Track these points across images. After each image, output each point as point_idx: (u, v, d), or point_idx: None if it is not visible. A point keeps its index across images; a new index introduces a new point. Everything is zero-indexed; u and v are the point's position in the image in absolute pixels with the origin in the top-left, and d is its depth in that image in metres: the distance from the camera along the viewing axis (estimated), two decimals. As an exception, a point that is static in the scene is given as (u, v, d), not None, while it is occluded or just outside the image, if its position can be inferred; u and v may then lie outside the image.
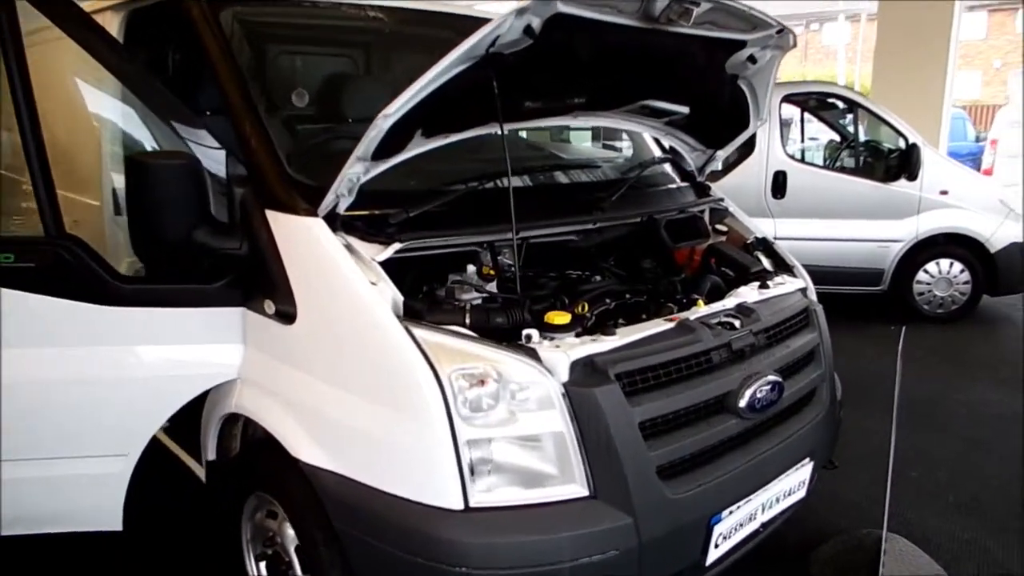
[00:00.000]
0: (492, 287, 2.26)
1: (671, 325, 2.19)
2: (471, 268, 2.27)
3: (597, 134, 6.95)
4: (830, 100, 7.05)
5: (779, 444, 2.31)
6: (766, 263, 2.90)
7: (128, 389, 2.26)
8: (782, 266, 2.89)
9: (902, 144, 6.31)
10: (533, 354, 1.91)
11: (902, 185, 6.28)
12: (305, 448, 2.03)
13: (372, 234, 2.08)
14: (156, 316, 2.22)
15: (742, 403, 2.16)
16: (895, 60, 9.07)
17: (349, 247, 2.05)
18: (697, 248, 2.83)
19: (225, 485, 2.52)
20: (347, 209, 2.10)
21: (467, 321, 2.02)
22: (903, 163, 6.24)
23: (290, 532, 2.22)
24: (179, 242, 2.06)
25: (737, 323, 2.30)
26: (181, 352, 2.27)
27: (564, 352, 1.92)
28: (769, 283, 2.61)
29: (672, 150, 3.37)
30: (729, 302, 2.42)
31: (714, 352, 2.18)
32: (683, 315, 2.27)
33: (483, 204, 2.33)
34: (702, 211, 2.97)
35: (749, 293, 2.51)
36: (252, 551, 2.48)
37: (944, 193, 6.28)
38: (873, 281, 6.42)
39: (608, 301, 2.47)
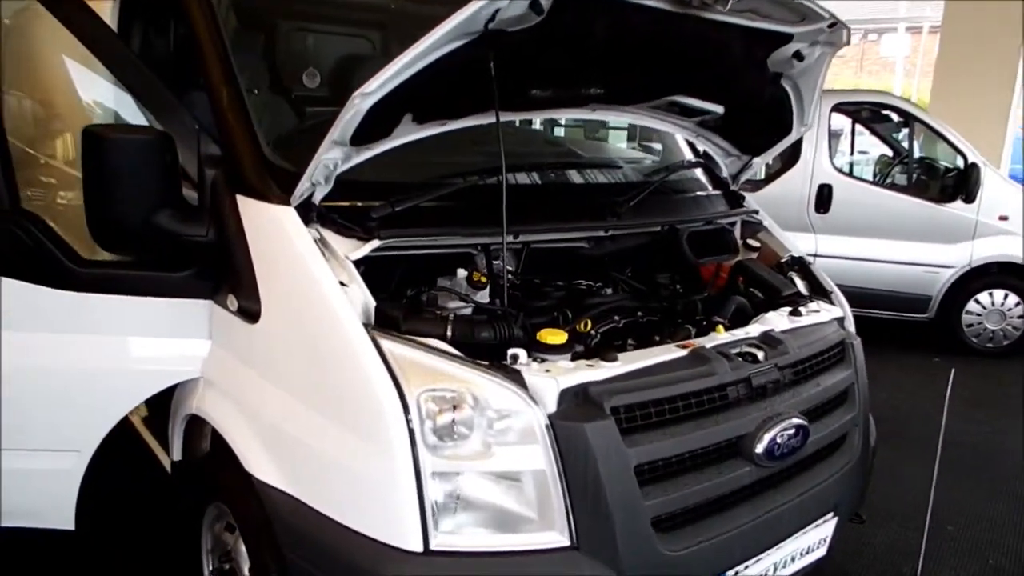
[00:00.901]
0: (483, 296, 2.02)
1: (683, 352, 1.91)
2: (461, 273, 2.03)
3: (633, 134, 6.65)
4: (884, 112, 6.64)
5: (799, 496, 2.03)
6: (801, 286, 2.60)
7: (83, 382, 2.07)
8: (818, 291, 2.59)
9: (960, 163, 5.89)
10: (517, 378, 1.66)
11: (958, 207, 5.86)
12: (260, 464, 1.82)
13: (350, 228, 1.86)
14: (116, 304, 2.02)
15: (759, 449, 1.88)
16: (958, 73, 8.57)
17: (322, 241, 1.82)
18: (724, 265, 2.54)
19: (188, 489, 2.33)
20: (326, 200, 1.88)
21: (448, 334, 1.78)
22: (960, 183, 5.82)
23: (244, 550, 2.01)
24: (137, 225, 1.86)
25: (760, 355, 2.02)
26: (141, 345, 2.07)
27: (554, 378, 1.66)
28: (801, 310, 2.32)
29: (705, 154, 3.09)
30: (753, 329, 2.14)
31: (730, 388, 1.90)
32: (698, 341, 2.00)
33: (481, 202, 2.08)
34: (732, 223, 2.68)
35: (778, 320, 2.22)
36: (209, 564, 2.27)
37: (1004, 219, 5.84)
38: (919, 308, 6.01)
39: (617, 319, 2.21)
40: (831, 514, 2.17)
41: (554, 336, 1.79)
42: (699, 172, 2.88)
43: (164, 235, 1.89)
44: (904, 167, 6.41)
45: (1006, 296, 5.91)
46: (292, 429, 1.75)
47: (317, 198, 1.85)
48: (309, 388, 1.74)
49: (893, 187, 6.19)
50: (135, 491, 3.04)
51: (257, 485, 1.80)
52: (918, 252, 5.91)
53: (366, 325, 1.67)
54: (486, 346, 1.80)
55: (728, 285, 2.60)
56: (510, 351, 1.71)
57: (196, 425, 2.22)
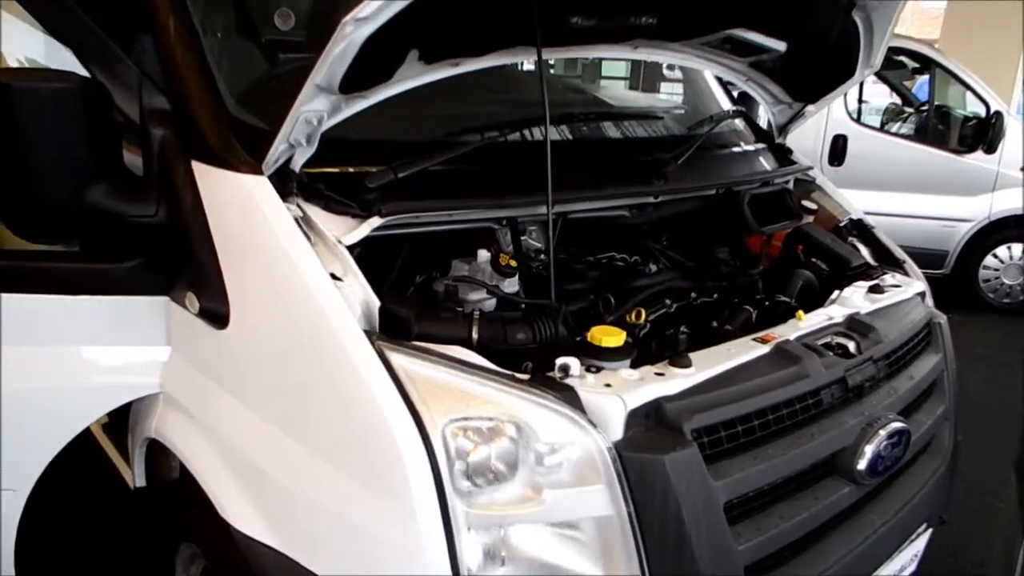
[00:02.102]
0: (512, 284, 1.61)
1: (765, 349, 1.53)
2: (483, 256, 1.61)
3: (634, 83, 6.16)
4: (897, 58, 6.23)
5: (896, 514, 1.68)
6: (865, 254, 2.23)
7: (8, 407, 1.64)
8: (887, 260, 2.22)
9: (981, 111, 5.53)
10: (571, 397, 1.27)
11: (978, 158, 5.52)
12: (239, 511, 1.41)
13: (342, 203, 1.43)
14: (43, 307, 1.58)
15: (861, 465, 1.52)
16: (968, 22, 8.17)
17: (306, 220, 1.40)
18: (776, 232, 2.15)
19: (156, 520, 1.93)
20: (308, 165, 1.45)
21: (474, 337, 1.38)
22: (982, 133, 5.47)
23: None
24: (64, 205, 1.42)
25: (852, 346, 1.65)
26: (79, 356, 1.64)
27: (617, 395, 1.27)
28: (883, 285, 1.94)
29: (742, 101, 2.67)
30: (835, 312, 1.76)
31: (824, 391, 1.53)
32: (777, 332, 1.61)
33: (504, 164, 1.67)
34: (786, 182, 2.28)
35: (858, 299, 1.84)
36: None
37: (1024, 170, 5.52)
38: (935, 264, 5.70)
39: (668, 302, 1.82)
40: (924, 525, 1.83)
41: (610, 336, 1.39)
42: (740, 122, 2.47)
43: (100, 216, 1.46)
44: (919, 116, 6.04)
45: (1024, 250, 5.64)
46: (276, 468, 1.35)
47: (297, 163, 1.43)
48: (297, 417, 1.34)
49: (910, 138, 5.82)
50: (97, 516, 2.64)
51: (237, 537, 1.40)
52: (935, 206, 5.59)
53: (368, 333, 1.26)
54: (522, 353, 1.41)
55: (785, 256, 2.22)
56: (559, 361, 1.31)
57: (160, 447, 1.81)
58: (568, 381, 1.29)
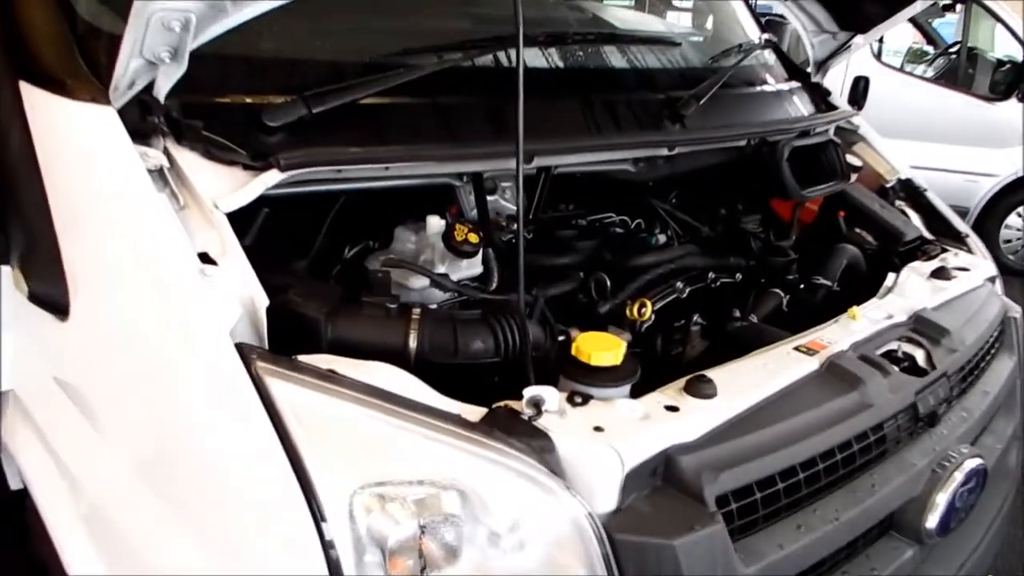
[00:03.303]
0: (471, 266, 1.19)
1: (813, 364, 1.13)
2: (435, 224, 1.18)
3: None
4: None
5: (961, 568, 1.31)
6: (917, 223, 1.82)
7: None
8: (945, 231, 1.81)
9: (1017, 54, 5.03)
10: (545, 448, 0.86)
11: (1010, 107, 5.05)
12: (85, 567, 1.02)
13: (227, 148, 1.00)
14: None
15: (931, 521, 1.14)
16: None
17: (174, 174, 0.97)
18: (820, 196, 1.72)
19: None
20: (187, 93, 1.01)
21: (411, 348, 0.97)
22: (1016, 79, 4.98)
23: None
24: None
25: (920, 356, 1.25)
26: None
27: (612, 447, 0.87)
28: (950, 268, 1.53)
29: (768, 26, 2.21)
30: (894, 307, 1.36)
31: (889, 423, 1.13)
32: (824, 337, 1.21)
33: (469, 98, 1.23)
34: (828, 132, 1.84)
35: (920, 288, 1.44)
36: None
37: (1064, 121, 5.05)
38: (954, 222, 5.29)
39: (679, 284, 1.41)
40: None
41: (605, 349, 0.98)
42: (770, 54, 2.00)
43: None
44: (947, 59, 5.53)
45: (1056, 210, 5.22)
46: (133, 533, 0.95)
47: (161, 90, 0.98)
48: (152, 462, 0.93)
49: (938, 81, 5.33)
50: None
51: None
52: (960, 158, 5.13)
53: (244, 349, 0.84)
54: (479, 372, 1.01)
55: (820, 225, 1.80)
56: (528, 392, 0.90)
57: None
58: (541, 422, 0.88)
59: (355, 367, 0.88)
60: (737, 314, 1.47)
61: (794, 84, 1.95)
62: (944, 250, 1.70)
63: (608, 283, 1.35)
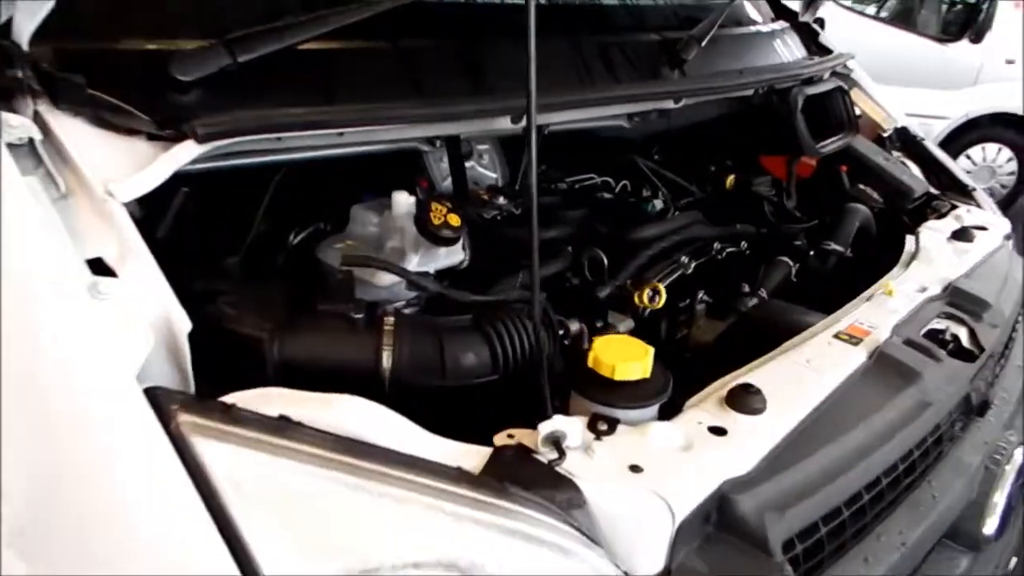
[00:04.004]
0: (453, 255, 0.96)
1: (858, 354, 0.96)
2: (403, 202, 0.94)
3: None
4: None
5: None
6: (917, 174, 1.67)
7: None
8: (949, 184, 1.66)
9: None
10: (572, 503, 0.66)
11: (962, 48, 4.99)
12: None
13: (124, 112, 0.74)
14: None
15: (989, 525, 1.00)
16: None
17: (51, 148, 0.71)
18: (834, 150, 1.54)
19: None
20: (50, 38, 0.74)
21: (385, 367, 0.75)
22: (970, 19, 4.92)
23: None
24: None
25: (964, 335, 1.10)
26: None
27: (657, 495, 0.68)
28: (970, 229, 1.39)
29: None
30: (925, 277, 1.20)
31: (944, 420, 0.98)
32: (862, 318, 1.04)
33: (436, 42, 0.99)
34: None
35: (945, 252, 1.29)
36: None
37: (1010, 63, 5.03)
38: (904, 166, 5.26)
39: (684, 259, 1.22)
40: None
41: (627, 357, 0.78)
42: (757, -8, 1.80)
43: None
44: (900, -1, 5.43)
45: (999, 151, 5.24)
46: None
47: (23, 32, 0.71)
48: (37, 551, 0.69)
49: (892, 22, 5.23)
50: None
51: None
52: (912, 100, 5.07)
53: (161, 399, 0.60)
54: (472, 395, 0.80)
55: (819, 182, 1.63)
56: (545, 427, 0.69)
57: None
58: (563, 467, 0.68)
59: (314, 405, 0.66)
60: (746, 289, 1.29)
61: (783, 24, 1.75)
62: (954, 206, 1.55)
63: (605, 261, 1.14)
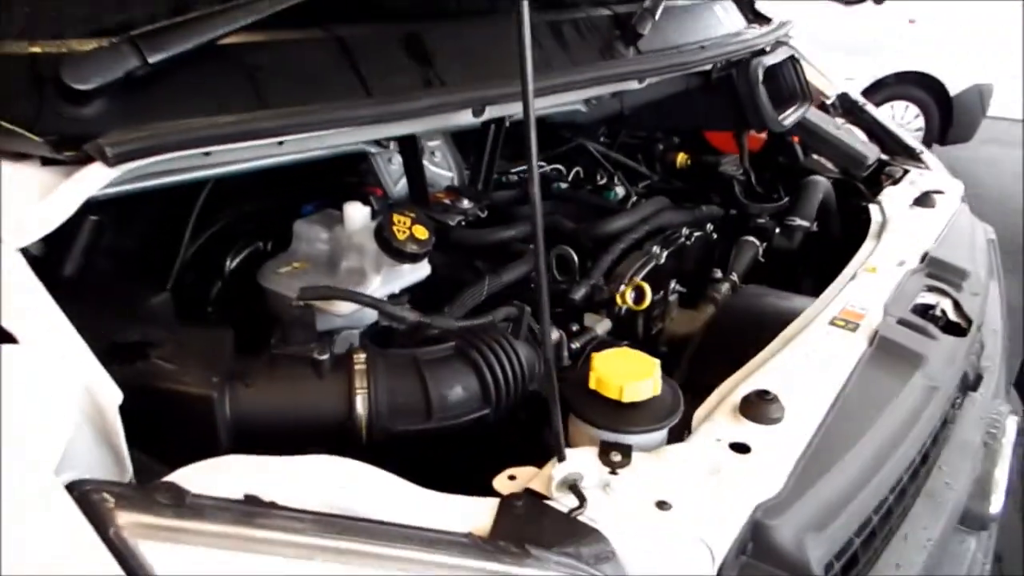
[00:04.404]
0: (418, 272, 0.85)
1: (858, 340, 0.90)
2: (357, 216, 0.82)
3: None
4: None
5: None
6: (862, 138, 1.65)
7: None
8: (897, 148, 1.65)
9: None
10: (599, 558, 0.57)
11: (867, 9, 5.10)
12: None
13: (5, 132, 0.60)
14: None
15: (994, 504, 0.96)
16: None
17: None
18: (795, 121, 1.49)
19: None
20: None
21: (359, 414, 0.64)
22: (873, -22, 5.03)
23: None
24: None
25: (948, 307, 1.06)
26: None
27: (695, 537, 0.59)
28: (932, 194, 1.36)
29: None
30: (897, 248, 1.16)
31: (948, 403, 0.94)
32: (851, 300, 0.99)
33: (378, 29, 0.86)
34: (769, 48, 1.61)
35: (912, 221, 1.26)
36: None
37: (912, 22, 5.21)
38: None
39: (656, 248, 1.14)
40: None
41: (635, 374, 0.69)
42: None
43: None
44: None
45: (906, 108, 5.43)
46: None
47: None
48: None
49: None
50: None
51: None
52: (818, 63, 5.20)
53: (92, 498, 0.48)
54: (463, 436, 0.69)
55: (770, 154, 1.59)
56: (561, 472, 0.59)
57: None
58: (584, 515, 0.59)
59: (283, 473, 0.55)
60: (718, 274, 1.23)
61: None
62: (906, 171, 1.54)
63: (575, 259, 1.05)
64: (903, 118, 5.49)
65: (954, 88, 5.35)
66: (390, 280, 0.80)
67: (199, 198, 0.86)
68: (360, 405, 0.65)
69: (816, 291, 1.03)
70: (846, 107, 1.77)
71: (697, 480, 0.65)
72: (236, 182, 0.85)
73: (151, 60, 0.64)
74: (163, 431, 0.59)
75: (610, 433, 0.68)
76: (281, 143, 0.71)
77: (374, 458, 0.59)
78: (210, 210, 0.89)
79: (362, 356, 0.66)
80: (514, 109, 0.91)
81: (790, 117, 1.34)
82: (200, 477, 0.53)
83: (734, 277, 1.24)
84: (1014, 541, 1.66)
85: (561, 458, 0.60)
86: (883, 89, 5.40)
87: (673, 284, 1.17)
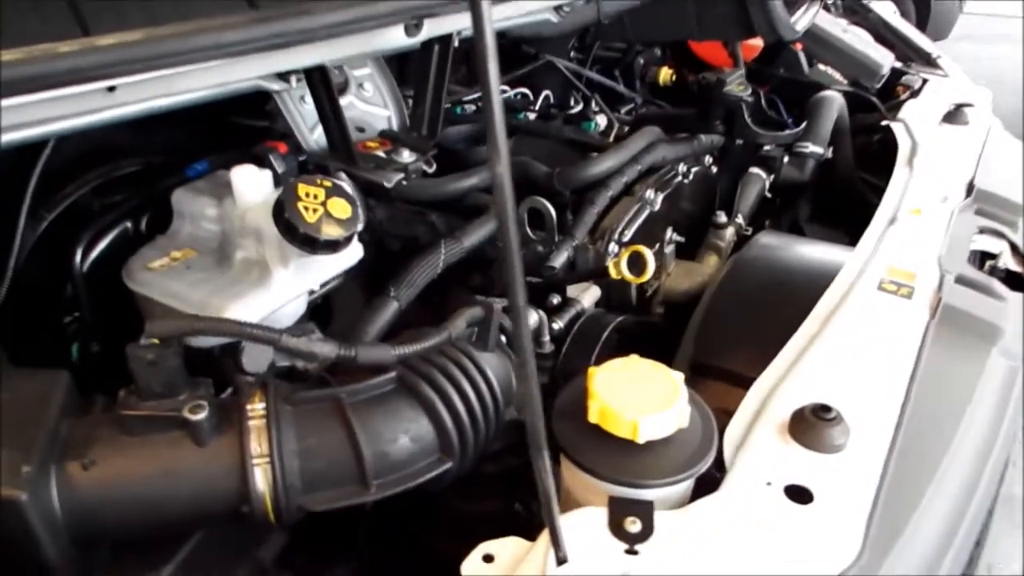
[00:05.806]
0: (345, 258, 0.63)
1: (918, 309, 0.71)
2: (249, 183, 0.59)
3: None
4: None
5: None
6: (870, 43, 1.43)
7: None
8: (903, 51, 1.45)
9: None
10: None
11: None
12: None
13: None
14: None
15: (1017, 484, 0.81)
16: None
17: None
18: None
19: None
20: None
21: (262, 490, 0.43)
22: None
23: None
24: None
25: (1006, 252, 0.88)
26: None
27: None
28: (962, 108, 1.16)
29: None
30: (935, 180, 0.97)
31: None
32: (898, 258, 0.80)
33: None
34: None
35: (947, 147, 1.07)
36: None
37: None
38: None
39: (649, 193, 0.94)
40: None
41: (655, 404, 0.49)
42: None
43: None
44: None
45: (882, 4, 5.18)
46: None
47: None
48: None
49: None
50: None
51: None
52: None
53: None
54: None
55: (768, 63, 1.37)
56: (564, 571, 0.40)
57: None
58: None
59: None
60: (722, 218, 1.03)
61: None
62: (924, 80, 1.33)
63: (552, 213, 0.83)
64: (877, 15, 5.24)
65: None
66: (303, 274, 0.58)
67: (37, 163, 0.62)
68: (260, 480, 0.44)
69: (851, 237, 0.84)
70: (848, 5, 1.54)
71: (750, 554, 0.46)
72: (99, 136, 0.61)
73: None
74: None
75: (620, 488, 0.49)
76: (113, 89, 0.47)
77: (291, 543, 0.39)
78: (61, 176, 0.65)
79: (259, 406, 0.45)
80: (462, 23, 0.66)
81: (801, 20, 1.10)
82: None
83: (740, 220, 1.04)
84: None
85: (561, 559, 0.40)
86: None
87: (670, 233, 0.97)
